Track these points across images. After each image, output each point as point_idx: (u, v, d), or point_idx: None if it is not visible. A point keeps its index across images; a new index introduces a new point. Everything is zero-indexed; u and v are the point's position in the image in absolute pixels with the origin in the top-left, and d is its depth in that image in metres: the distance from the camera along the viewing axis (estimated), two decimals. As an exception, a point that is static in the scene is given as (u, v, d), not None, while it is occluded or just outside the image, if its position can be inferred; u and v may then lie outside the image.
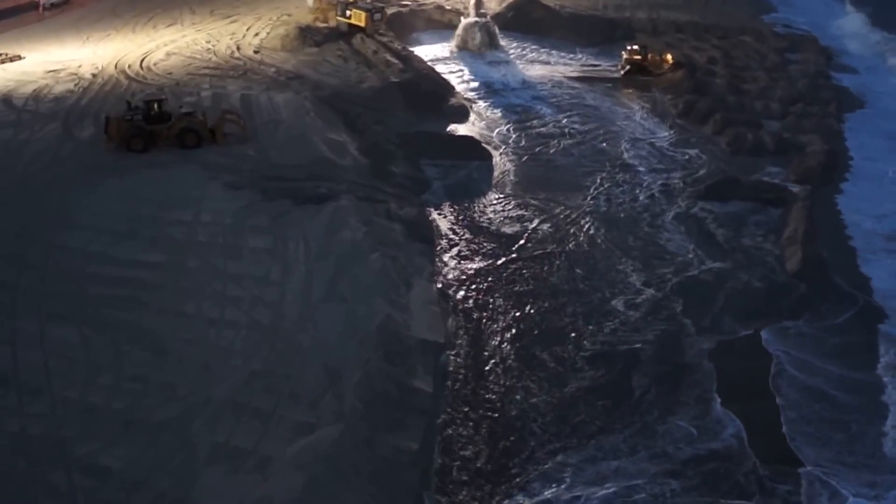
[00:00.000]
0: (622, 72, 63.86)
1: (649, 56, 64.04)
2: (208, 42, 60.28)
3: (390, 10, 68.83)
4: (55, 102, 48.13)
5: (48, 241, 33.62)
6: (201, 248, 33.80)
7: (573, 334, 32.98)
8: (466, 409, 28.60)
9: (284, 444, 24.28)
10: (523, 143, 51.32)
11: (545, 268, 37.58)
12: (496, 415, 28.47)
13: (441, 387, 28.92)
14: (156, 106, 42.17)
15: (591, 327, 33.38)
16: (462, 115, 54.34)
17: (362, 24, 62.80)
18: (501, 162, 48.10)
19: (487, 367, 30.88)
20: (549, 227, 40.97)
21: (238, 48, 58.82)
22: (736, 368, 31.27)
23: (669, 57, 64.43)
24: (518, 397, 29.29)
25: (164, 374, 26.78)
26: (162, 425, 24.73)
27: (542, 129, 53.67)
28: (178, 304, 30.33)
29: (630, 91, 61.58)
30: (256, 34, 62.67)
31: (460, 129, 52.56)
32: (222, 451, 23.98)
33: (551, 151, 50.31)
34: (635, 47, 64.55)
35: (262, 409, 25.60)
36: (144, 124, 41.50)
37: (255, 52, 58.30)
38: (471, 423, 27.99)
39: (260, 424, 25.07)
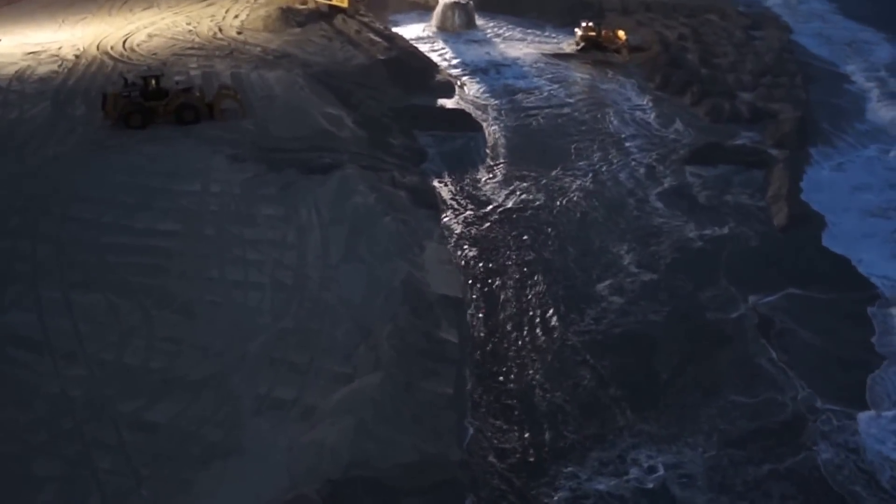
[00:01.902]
0: (578, 48, 65.58)
1: (603, 32, 66.02)
2: (188, 24, 59.80)
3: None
4: (40, 83, 47.42)
5: (59, 213, 33.34)
6: (215, 217, 33.86)
7: (582, 289, 33.94)
8: (493, 362, 29.42)
9: (326, 393, 24.87)
10: (511, 115, 52.20)
11: (542, 235, 38.19)
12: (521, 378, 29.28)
13: (466, 338, 29.70)
14: (153, 82, 42.03)
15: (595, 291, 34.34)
16: (448, 90, 54.94)
17: (344, 4, 63.23)
18: (492, 133, 48.82)
19: (507, 326, 31.44)
20: (545, 193, 41.71)
21: (220, 29, 58.44)
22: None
23: (621, 33, 66.17)
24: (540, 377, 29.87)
25: (196, 335, 27.03)
26: (202, 382, 25.04)
27: (526, 102, 54.58)
28: (200, 269, 30.45)
29: (606, 66, 62.84)
30: (236, 16, 62.39)
31: (448, 104, 53.22)
32: (266, 403, 24.47)
33: (539, 123, 51.24)
34: (590, 24, 66.52)
35: (298, 363, 26.14)
36: (142, 100, 41.30)
37: (238, 32, 58.10)
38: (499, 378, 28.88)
39: (298, 377, 25.60)
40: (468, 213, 39.87)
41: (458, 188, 42.20)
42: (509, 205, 40.66)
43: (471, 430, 25.42)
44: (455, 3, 68.16)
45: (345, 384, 25.19)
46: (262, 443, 22.93)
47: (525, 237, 37.96)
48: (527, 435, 25.82)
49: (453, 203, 40.65)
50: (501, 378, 28.46)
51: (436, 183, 42.12)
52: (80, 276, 29.71)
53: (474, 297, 32.95)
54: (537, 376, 28.65)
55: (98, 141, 39.83)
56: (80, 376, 24.98)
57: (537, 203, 40.97)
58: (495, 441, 25.47)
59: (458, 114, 49.68)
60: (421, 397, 25.25)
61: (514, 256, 36.31)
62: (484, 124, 49.88)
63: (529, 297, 33.27)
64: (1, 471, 21.49)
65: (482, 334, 30.70)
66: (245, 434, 23.24)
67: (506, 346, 30.22)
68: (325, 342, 27.03)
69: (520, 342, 30.43)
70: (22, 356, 25.69)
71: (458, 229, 38.17)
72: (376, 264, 31.27)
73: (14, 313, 27.54)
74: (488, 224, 38.88)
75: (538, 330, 31.20)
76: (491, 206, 40.59)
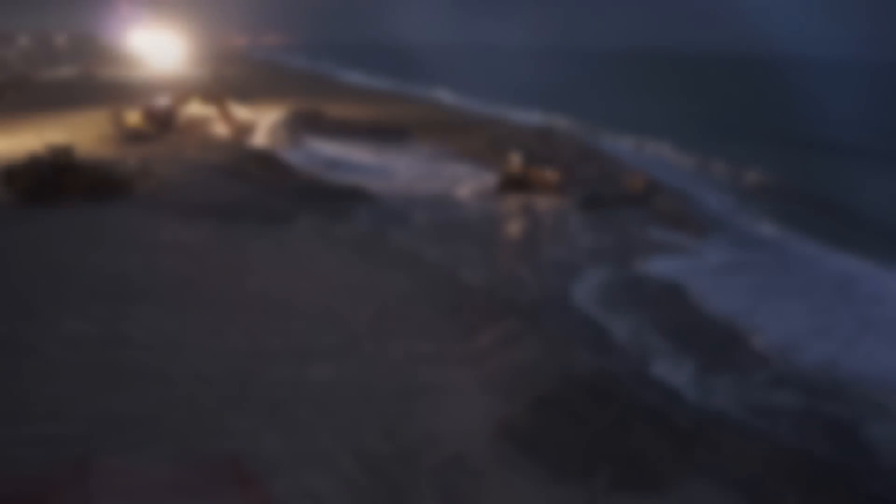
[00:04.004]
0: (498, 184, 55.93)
1: (530, 171, 56.66)
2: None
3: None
4: None
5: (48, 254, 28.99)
6: (207, 251, 31.31)
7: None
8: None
9: (462, 343, 24.20)
10: (388, 191, 54.06)
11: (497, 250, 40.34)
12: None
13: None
14: (63, 155, 38.19)
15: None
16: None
17: (153, 131, 62.41)
18: (387, 202, 50.17)
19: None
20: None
21: (53, 144, 54.49)
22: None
23: (550, 174, 57.08)
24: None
25: (290, 324, 24.74)
26: (334, 351, 23.02)
27: (396, 182, 57.21)
28: (240, 285, 27.94)
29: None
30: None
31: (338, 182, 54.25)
32: (416, 357, 23.13)
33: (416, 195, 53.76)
34: (516, 159, 56.91)
35: (413, 331, 25.00)
36: (53, 174, 37.26)
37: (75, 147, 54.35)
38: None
39: (425, 339, 24.50)
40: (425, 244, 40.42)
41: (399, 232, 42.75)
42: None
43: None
44: (281, 120, 69.86)
45: (471, 338, 24.73)
46: (447, 379, 21.69)
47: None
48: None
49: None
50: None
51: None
52: (112, 294, 25.86)
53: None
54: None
55: (16, 213, 35.26)
56: (199, 359, 21.63)
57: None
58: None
59: (355, 189, 50.44)
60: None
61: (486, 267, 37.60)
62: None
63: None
64: (197, 427, 18.06)
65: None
66: (422, 377, 21.79)
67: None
68: (421, 317, 26.26)
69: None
70: (112, 352, 21.55)
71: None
72: (408, 269, 31.06)
73: (71, 325, 23.20)
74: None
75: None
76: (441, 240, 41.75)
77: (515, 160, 56.36)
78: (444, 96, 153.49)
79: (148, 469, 14.48)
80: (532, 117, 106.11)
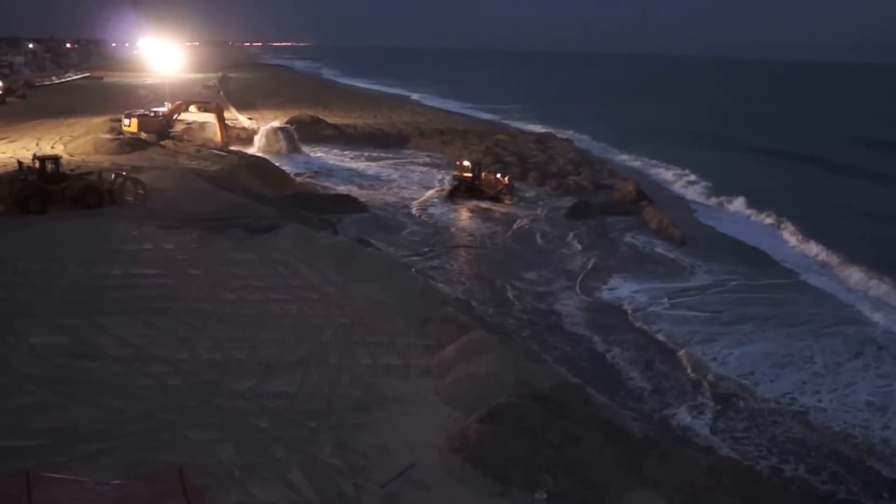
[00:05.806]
0: (450, 189, 57.88)
1: (483, 175, 58.30)
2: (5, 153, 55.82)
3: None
4: None
5: (24, 266, 29.57)
6: (189, 263, 31.82)
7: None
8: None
9: (427, 356, 24.58)
10: (380, 200, 54.95)
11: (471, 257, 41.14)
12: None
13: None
14: (50, 165, 38.89)
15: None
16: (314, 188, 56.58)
17: (134, 129, 63.28)
18: (376, 212, 50.76)
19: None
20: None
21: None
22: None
23: (500, 176, 59.15)
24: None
25: (258, 335, 25.23)
26: (302, 362, 23.51)
27: (388, 190, 58.14)
28: (212, 295, 28.45)
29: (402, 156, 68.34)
30: (52, 146, 59.30)
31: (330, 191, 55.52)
32: (380, 369, 23.58)
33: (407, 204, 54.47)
34: (466, 164, 58.50)
35: (381, 342, 25.51)
36: (40, 183, 37.94)
37: (70, 155, 55.23)
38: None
39: (392, 350, 24.97)
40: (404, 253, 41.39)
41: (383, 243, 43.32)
42: (433, 259, 42.71)
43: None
44: (279, 128, 70.48)
45: (436, 349, 25.13)
46: (402, 392, 22.11)
47: (455, 261, 40.73)
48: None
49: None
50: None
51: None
52: (87, 306, 26.46)
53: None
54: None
55: (9, 221, 35.98)
56: (166, 371, 22.22)
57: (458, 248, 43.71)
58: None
59: (345, 198, 51.11)
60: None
61: (464, 280, 38.67)
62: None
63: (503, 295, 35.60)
64: (153, 439, 18.50)
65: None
66: (380, 390, 22.21)
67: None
68: (391, 329, 26.66)
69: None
70: (80, 364, 22.25)
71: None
72: (383, 280, 31.41)
73: (42, 337, 23.78)
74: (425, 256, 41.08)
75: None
76: (421, 248, 43.12)
77: (465, 166, 57.81)
78: (446, 101, 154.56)
79: (94, 481, 14.99)
80: (533, 125, 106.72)
